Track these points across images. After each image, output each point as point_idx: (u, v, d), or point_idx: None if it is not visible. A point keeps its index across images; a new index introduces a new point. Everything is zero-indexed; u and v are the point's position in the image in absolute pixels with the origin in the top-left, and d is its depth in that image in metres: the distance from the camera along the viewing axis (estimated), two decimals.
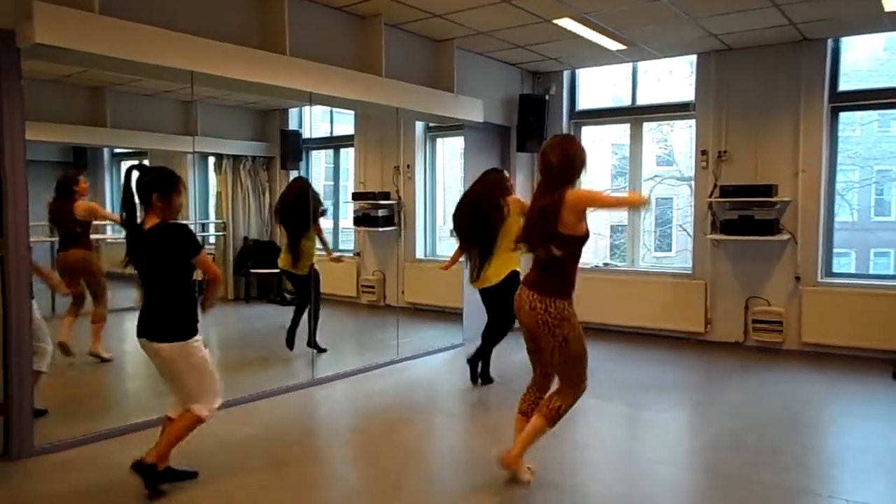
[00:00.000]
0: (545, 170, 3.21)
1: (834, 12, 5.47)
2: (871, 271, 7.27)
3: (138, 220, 3.22)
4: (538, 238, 3.18)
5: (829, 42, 6.26)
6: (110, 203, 6.26)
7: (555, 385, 3.35)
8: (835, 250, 6.59)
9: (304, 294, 5.84)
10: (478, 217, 5.04)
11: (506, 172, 5.34)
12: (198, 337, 3.22)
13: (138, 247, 3.19)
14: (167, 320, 3.16)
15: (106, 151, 6.31)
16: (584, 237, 3.21)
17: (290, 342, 5.83)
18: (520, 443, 3.29)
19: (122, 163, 6.58)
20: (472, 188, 5.27)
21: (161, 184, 3.14)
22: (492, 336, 5.34)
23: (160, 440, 3.25)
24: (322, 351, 5.85)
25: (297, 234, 5.77)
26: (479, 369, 5.38)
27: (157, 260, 3.17)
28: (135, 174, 3.16)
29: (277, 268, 6.05)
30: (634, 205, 3.58)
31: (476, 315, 7.23)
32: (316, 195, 6.09)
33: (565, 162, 3.18)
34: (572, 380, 3.24)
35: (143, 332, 3.21)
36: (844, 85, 6.42)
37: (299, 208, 5.79)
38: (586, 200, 3.21)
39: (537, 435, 3.26)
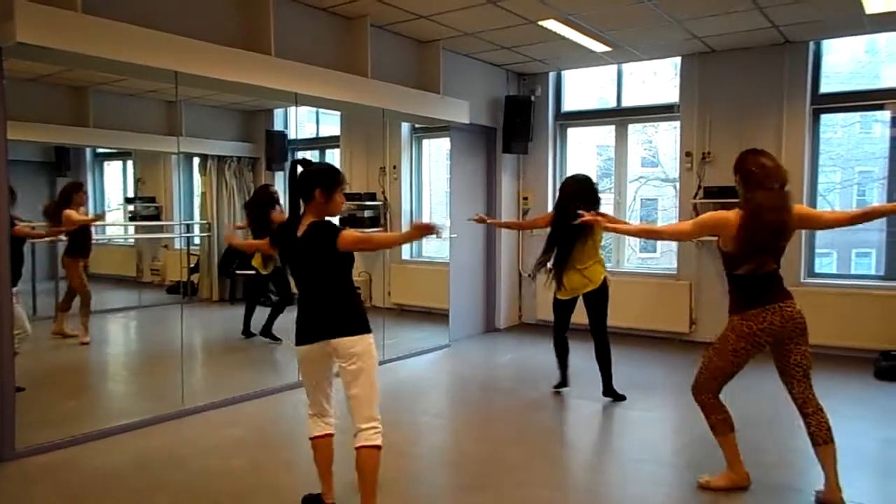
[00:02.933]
0: None
1: (815, 15, 5.53)
2: (853, 271, 7.34)
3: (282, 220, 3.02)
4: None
5: (811, 44, 6.34)
6: (93, 202, 6.21)
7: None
8: (817, 251, 6.67)
9: (265, 291, 6.34)
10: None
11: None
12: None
13: (295, 248, 2.93)
14: (346, 314, 2.90)
15: (88, 151, 6.25)
16: None
17: (246, 331, 6.32)
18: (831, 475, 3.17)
19: (105, 163, 6.53)
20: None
21: (325, 179, 2.89)
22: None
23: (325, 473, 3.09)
24: (276, 340, 6.14)
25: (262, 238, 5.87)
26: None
27: (316, 259, 2.88)
28: (299, 168, 2.94)
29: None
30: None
31: (462, 316, 7.25)
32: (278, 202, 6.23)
33: None
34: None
35: (315, 334, 2.91)
36: (826, 87, 6.50)
37: (264, 215, 5.96)
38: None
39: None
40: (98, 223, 5.84)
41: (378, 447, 2.91)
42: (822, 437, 3.17)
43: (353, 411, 2.91)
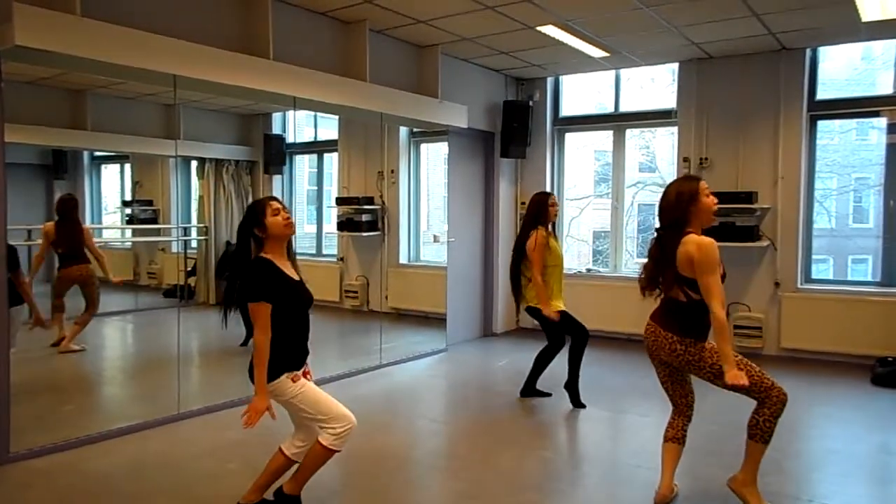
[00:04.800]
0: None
1: (812, 22, 5.55)
2: (849, 278, 7.36)
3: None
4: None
5: (808, 51, 6.36)
6: (89, 206, 6.19)
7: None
8: (813, 257, 6.68)
9: None
10: None
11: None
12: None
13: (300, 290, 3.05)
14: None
15: (86, 155, 6.24)
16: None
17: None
18: (747, 469, 3.16)
19: (103, 166, 6.52)
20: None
21: (250, 218, 2.92)
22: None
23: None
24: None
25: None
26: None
27: None
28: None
29: None
30: None
31: (459, 321, 7.25)
32: None
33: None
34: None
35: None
36: (822, 94, 6.52)
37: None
38: None
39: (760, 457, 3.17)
40: None
41: (324, 446, 2.94)
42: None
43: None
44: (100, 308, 5.63)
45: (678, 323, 3.14)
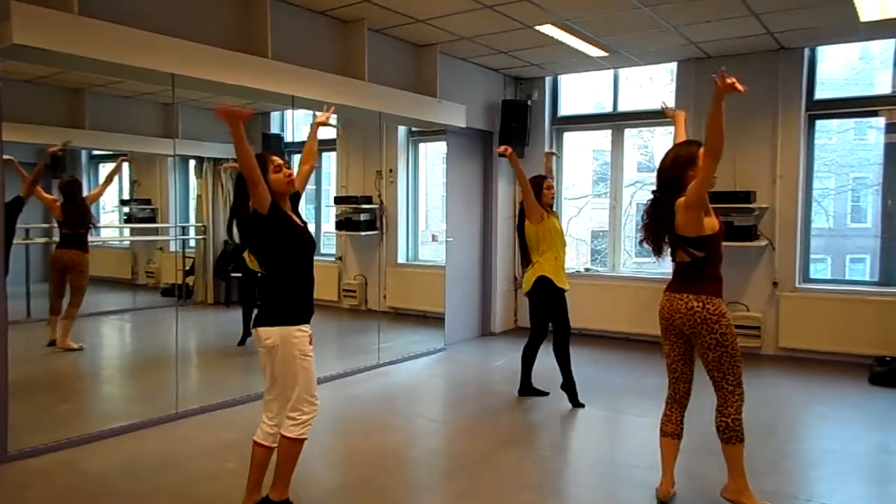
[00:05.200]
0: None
1: (810, 22, 5.56)
2: (847, 277, 7.36)
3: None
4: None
5: (806, 51, 6.37)
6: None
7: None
8: (811, 256, 6.69)
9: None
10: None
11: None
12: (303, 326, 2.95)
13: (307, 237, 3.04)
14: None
15: (84, 153, 6.22)
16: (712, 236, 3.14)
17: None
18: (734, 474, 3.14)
19: (101, 165, 6.51)
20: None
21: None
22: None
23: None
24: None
25: None
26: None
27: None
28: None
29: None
30: None
31: (458, 320, 7.25)
32: None
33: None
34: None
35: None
36: (821, 93, 6.53)
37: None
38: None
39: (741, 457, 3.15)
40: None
41: (292, 439, 2.93)
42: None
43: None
44: (98, 307, 5.62)
45: (689, 282, 3.15)
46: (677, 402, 3.32)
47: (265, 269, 2.97)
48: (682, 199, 3.06)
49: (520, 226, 5.02)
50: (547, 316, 4.96)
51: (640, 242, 3.29)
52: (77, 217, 5.40)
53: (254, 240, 2.92)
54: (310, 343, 2.93)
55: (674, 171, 3.13)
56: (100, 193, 5.83)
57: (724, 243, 3.25)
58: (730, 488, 3.16)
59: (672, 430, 3.30)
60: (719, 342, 3.08)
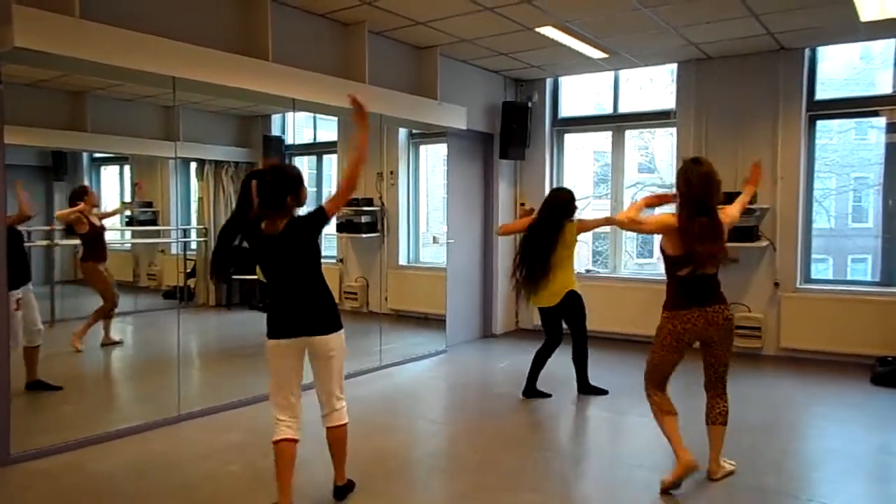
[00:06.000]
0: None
1: (810, 22, 5.56)
2: (849, 277, 7.37)
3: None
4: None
5: (806, 51, 6.37)
6: None
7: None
8: (813, 256, 6.69)
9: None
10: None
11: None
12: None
13: (274, 246, 3.03)
14: (329, 311, 3.10)
15: (85, 156, 6.24)
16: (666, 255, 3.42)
17: None
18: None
19: (102, 168, 6.53)
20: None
21: (295, 185, 3.01)
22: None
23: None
24: None
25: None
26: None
27: (299, 252, 3.04)
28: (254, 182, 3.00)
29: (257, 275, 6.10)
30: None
31: (459, 322, 7.25)
32: None
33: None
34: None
35: (299, 330, 3.03)
36: (821, 94, 6.53)
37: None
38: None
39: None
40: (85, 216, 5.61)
41: (345, 425, 3.21)
42: (711, 419, 3.51)
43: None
44: (86, 311, 5.69)
45: (717, 293, 3.41)
46: (664, 388, 3.55)
47: (311, 275, 3.07)
48: (726, 214, 3.48)
49: (553, 231, 4.94)
50: (569, 323, 5.12)
51: (713, 257, 3.34)
52: (96, 226, 5.49)
53: (310, 242, 3.07)
54: None
55: (717, 187, 3.42)
56: (108, 216, 5.99)
57: (726, 244, 3.44)
58: (715, 469, 3.49)
59: (669, 409, 3.50)
60: (732, 343, 3.50)
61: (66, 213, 5.35)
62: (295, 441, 3.06)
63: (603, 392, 5.20)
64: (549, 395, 5.14)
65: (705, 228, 3.27)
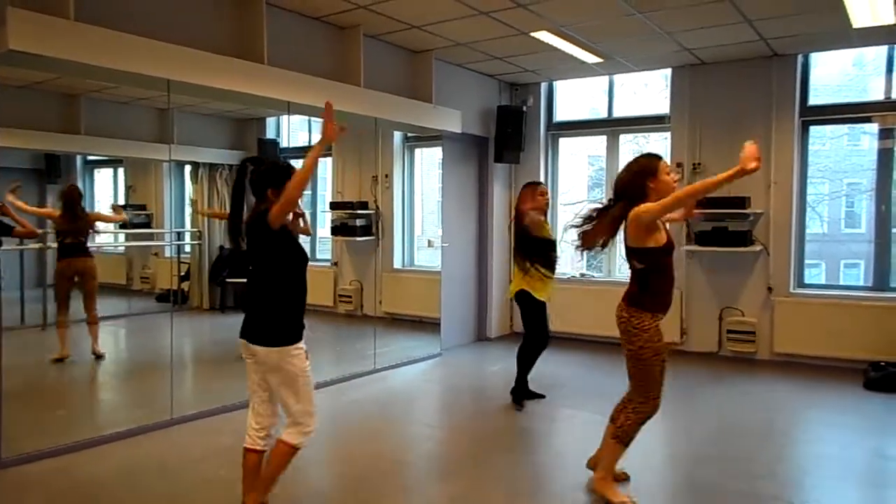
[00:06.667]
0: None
1: (803, 29, 5.59)
2: (842, 282, 7.39)
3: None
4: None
5: (800, 57, 6.40)
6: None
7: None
8: (806, 261, 6.71)
9: None
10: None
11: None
12: (300, 345, 2.90)
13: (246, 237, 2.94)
14: (270, 323, 2.87)
15: (79, 159, 6.22)
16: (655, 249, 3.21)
17: None
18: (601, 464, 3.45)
19: (96, 170, 6.51)
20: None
21: (275, 177, 2.86)
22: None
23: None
24: None
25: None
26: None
27: (253, 251, 2.89)
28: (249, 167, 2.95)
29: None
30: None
31: (453, 326, 7.25)
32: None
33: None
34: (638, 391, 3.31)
35: (245, 332, 2.93)
36: (814, 99, 6.56)
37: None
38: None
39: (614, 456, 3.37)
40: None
41: (292, 445, 2.92)
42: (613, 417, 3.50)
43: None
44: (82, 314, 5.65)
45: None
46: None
47: (261, 282, 2.89)
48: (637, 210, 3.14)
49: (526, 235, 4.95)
50: (543, 322, 5.07)
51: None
52: (78, 225, 5.42)
53: (260, 247, 2.87)
54: (306, 359, 2.90)
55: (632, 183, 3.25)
56: (102, 220, 6.02)
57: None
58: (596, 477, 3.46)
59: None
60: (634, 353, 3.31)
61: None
62: (256, 451, 2.97)
63: (540, 396, 5.19)
64: (542, 396, 5.14)
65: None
